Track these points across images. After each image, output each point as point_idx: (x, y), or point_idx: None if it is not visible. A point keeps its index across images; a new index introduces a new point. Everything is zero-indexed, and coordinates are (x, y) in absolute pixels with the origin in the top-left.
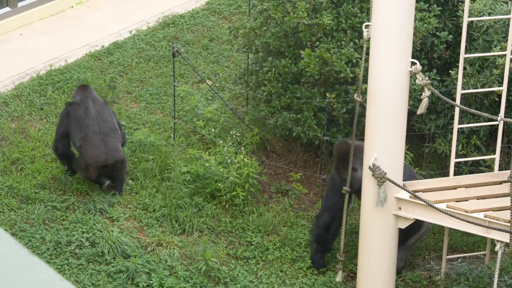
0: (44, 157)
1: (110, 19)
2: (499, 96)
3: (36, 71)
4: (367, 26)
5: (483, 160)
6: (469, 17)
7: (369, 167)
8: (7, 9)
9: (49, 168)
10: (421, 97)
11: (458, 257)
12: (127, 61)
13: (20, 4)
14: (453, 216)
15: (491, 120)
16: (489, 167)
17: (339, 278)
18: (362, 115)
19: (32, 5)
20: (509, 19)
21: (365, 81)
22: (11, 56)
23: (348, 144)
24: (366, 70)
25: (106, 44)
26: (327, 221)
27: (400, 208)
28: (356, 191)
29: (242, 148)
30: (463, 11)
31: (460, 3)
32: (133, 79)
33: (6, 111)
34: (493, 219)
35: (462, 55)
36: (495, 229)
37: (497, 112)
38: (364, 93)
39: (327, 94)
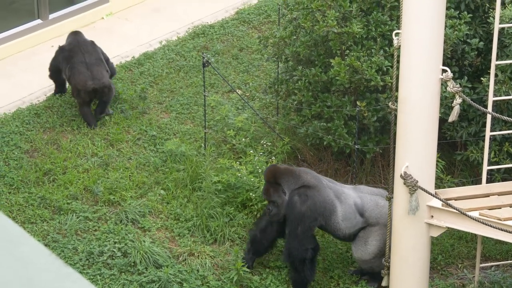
0: (76, 168)
1: (140, 30)
2: None
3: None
4: (397, 34)
5: None
6: (500, 23)
7: (401, 175)
8: (38, 21)
9: (81, 179)
10: (452, 104)
11: (492, 266)
12: (157, 71)
13: (51, 16)
14: (486, 224)
15: None
16: None
17: (385, 283)
18: (393, 123)
19: (62, 17)
20: None
21: (396, 89)
22: (43, 68)
23: (278, 168)
24: (397, 78)
25: (137, 55)
26: (264, 225)
27: (432, 216)
28: (284, 214)
29: (273, 157)
30: (494, 17)
31: (491, 10)
32: (163, 89)
33: (38, 122)
34: None
35: (494, 62)
36: None
37: None
38: (395, 101)
39: (358, 103)
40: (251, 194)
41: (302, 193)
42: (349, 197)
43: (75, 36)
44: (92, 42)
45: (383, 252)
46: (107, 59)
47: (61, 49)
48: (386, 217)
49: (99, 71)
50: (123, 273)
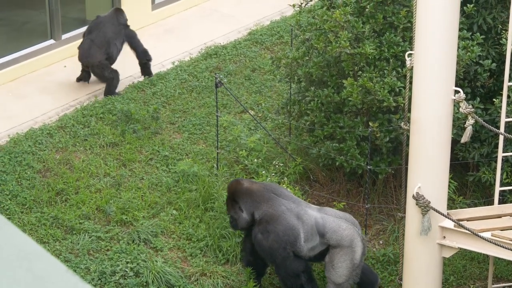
0: (88, 188)
1: (153, 50)
2: None
3: (80, 103)
4: (410, 55)
5: None
6: None
7: (413, 195)
8: (51, 41)
9: (93, 198)
10: (464, 125)
11: (504, 286)
12: (170, 92)
13: (64, 37)
14: (498, 245)
15: None
16: None
17: None
18: (406, 144)
19: (75, 37)
20: None
21: (409, 109)
22: (56, 88)
23: (239, 185)
24: (409, 99)
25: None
26: (250, 246)
27: (444, 237)
28: (241, 229)
29: (285, 178)
30: (506, 39)
31: (503, 31)
32: (176, 109)
33: (51, 142)
34: None
35: (506, 83)
36: None
37: None
38: (408, 121)
39: (370, 123)
40: None
41: (263, 230)
42: (310, 218)
43: (111, 13)
44: (119, 24)
45: (350, 279)
46: (136, 45)
47: (93, 19)
48: (348, 239)
49: (95, 52)
50: None
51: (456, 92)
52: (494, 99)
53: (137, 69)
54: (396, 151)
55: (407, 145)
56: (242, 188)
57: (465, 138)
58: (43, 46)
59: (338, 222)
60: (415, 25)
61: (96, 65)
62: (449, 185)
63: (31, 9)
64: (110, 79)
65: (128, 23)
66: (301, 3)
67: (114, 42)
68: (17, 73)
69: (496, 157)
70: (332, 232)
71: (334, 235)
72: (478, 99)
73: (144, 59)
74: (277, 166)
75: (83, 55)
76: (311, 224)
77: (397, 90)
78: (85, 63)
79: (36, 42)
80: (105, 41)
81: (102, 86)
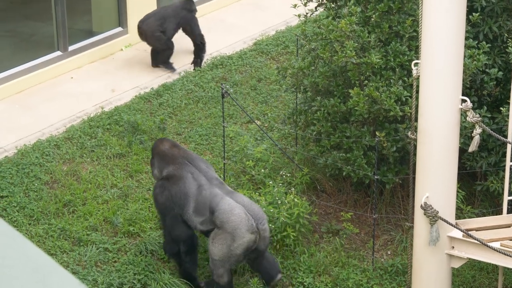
0: (95, 199)
1: None
2: None
3: (87, 114)
4: (416, 64)
5: None
6: None
7: (421, 205)
8: (58, 53)
9: (100, 210)
10: (472, 134)
11: None
12: (176, 102)
13: (70, 48)
14: (507, 255)
15: None
16: None
17: None
18: (413, 153)
19: (82, 48)
20: None
21: (415, 119)
22: (63, 99)
23: (159, 142)
24: (416, 108)
25: (155, 86)
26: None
27: (453, 247)
28: (156, 180)
29: (292, 188)
30: None
31: (509, 40)
32: (182, 120)
33: (58, 153)
34: None
35: None
36: None
37: None
38: (415, 131)
39: (377, 133)
40: (270, 225)
41: (160, 185)
42: (211, 194)
43: (179, 3)
44: (178, 7)
45: (225, 262)
46: (192, 29)
47: None
48: (232, 225)
49: (151, 21)
50: None
51: (463, 101)
52: (501, 108)
53: (143, 79)
54: (403, 161)
55: (414, 154)
56: (159, 147)
57: (473, 147)
58: (50, 58)
59: (233, 206)
60: (421, 34)
61: (149, 36)
62: (457, 195)
63: (38, 20)
64: (163, 50)
65: (134, 34)
66: (307, 13)
67: (169, 19)
68: (24, 85)
69: (504, 166)
70: (220, 212)
71: (220, 216)
72: (485, 107)
73: (198, 41)
74: (284, 176)
75: (141, 21)
76: (208, 199)
77: (404, 99)
78: (139, 29)
79: (43, 54)
80: (162, 16)
81: (110, 96)
